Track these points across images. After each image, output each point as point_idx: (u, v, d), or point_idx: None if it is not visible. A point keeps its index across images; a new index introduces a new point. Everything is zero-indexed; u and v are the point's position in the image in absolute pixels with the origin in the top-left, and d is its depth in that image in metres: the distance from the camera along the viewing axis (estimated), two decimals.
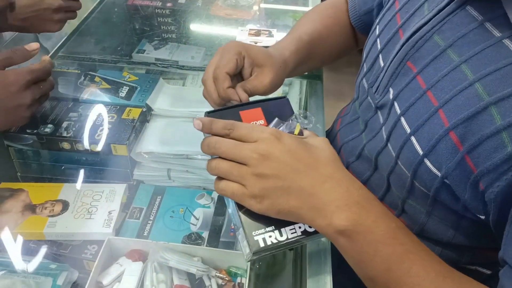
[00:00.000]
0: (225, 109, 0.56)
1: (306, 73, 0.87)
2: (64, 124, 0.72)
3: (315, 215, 0.47)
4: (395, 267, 0.46)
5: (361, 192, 0.48)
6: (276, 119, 0.54)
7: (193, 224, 0.67)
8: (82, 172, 0.72)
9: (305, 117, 0.56)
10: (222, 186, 0.50)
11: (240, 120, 0.54)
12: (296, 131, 0.54)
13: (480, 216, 0.49)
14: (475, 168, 0.45)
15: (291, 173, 0.47)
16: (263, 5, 1.25)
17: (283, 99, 0.58)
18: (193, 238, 0.65)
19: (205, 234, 0.65)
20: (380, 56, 0.62)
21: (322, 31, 0.77)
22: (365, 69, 0.66)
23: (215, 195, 0.71)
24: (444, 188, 0.50)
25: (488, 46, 0.47)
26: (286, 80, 0.91)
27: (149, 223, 0.67)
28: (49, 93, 0.72)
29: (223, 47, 0.63)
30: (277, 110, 0.56)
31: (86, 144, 0.70)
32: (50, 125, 0.72)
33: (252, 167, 0.47)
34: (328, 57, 0.81)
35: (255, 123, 0.55)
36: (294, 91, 0.89)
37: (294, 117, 0.55)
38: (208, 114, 0.54)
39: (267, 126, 0.54)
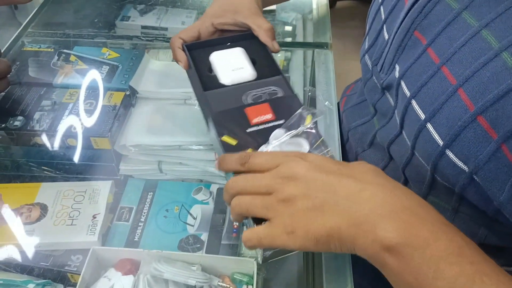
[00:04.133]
0: (231, 109, 0.49)
1: None
2: (36, 115, 0.63)
3: (356, 232, 0.35)
4: None
5: (410, 197, 0.37)
6: (283, 129, 0.47)
7: (190, 225, 0.59)
8: (60, 169, 0.64)
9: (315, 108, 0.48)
10: (247, 235, 0.39)
11: (246, 118, 0.48)
12: (308, 121, 0.46)
13: None
14: None
15: (322, 188, 0.38)
16: None
17: (292, 96, 0.51)
18: (190, 242, 0.58)
19: (204, 236, 0.58)
20: (384, 27, 0.52)
21: None
22: (367, 44, 0.56)
23: (213, 188, 0.63)
24: (473, 185, 0.41)
25: None
26: (288, 51, 0.80)
27: (140, 226, 0.59)
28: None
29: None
30: (286, 105, 0.49)
31: (62, 138, 0.61)
32: (20, 117, 0.62)
33: (277, 192, 0.38)
34: None
35: (262, 117, 0.48)
36: (297, 62, 0.78)
37: (302, 109, 0.47)
38: (214, 114, 0.48)
39: (274, 120, 0.48)
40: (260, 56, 0.57)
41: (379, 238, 0.34)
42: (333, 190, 0.37)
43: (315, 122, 0.46)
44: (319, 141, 0.46)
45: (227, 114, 0.48)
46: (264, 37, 0.56)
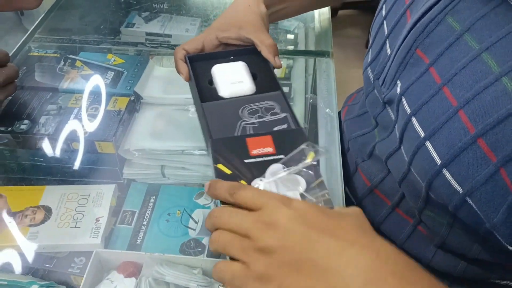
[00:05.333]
0: (231, 138, 0.48)
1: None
2: (42, 119, 0.64)
3: None
4: None
5: (399, 259, 0.34)
6: (282, 164, 0.45)
7: (191, 229, 0.60)
8: (65, 172, 0.65)
9: (315, 149, 0.47)
10: (221, 267, 0.38)
11: (246, 148, 0.46)
12: (309, 159, 0.44)
13: (511, 248, 0.40)
14: None
15: (300, 243, 0.35)
16: None
17: (298, 129, 0.50)
18: (192, 246, 0.58)
19: (206, 240, 0.59)
20: (387, 42, 0.53)
21: None
22: (370, 57, 0.57)
23: None
24: (465, 207, 0.42)
25: None
26: (290, 59, 0.82)
27: (143, 229, 0.60)
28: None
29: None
30: (290, 139, 0.47)
31: (67, 142, 0.62)
32: (26, 121, 0.63)
33: (255, 240, 0.36)
34: None
35: (262, 150, 0.46)
36: (299, 70, 0.79)
37: (306, 145, 0.45)
38: (213, 141, 0.47)
39: (275, 154, 0.46)
40: (262, 71, 0.58)
41: None
42: (311, 247, 0.35)
43: (317, 161, 0.44)
44: (317, 182, 0.43)
45: (227, 142, 0.47)
46: (266, 53, 0.57)
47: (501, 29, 0.38)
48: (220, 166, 0.44)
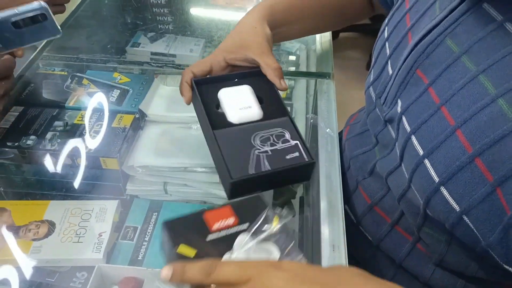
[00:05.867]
0: (184, 217, 0.45)
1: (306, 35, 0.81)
2: (48, 135, 0.65)
3: None
4: None
5: None
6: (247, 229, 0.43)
7: None
8: (69, 187, 0.66)
9: (283, 208, 0.45)
10: None
11: (204, 225, 0.43)
12: (275, 223, 0.42)
13: (507, 267, 0.41)
14: (509, 209, 0.38)
15: None
16: None
17: (255, 196, 0.48)
18: None
19: None
20: (389, 62, 0.55)
21: None
22: (372, 77, 0.59)
23: None
24: (462, 225, 0.43)
25: (510, 52, 0.39)
26: (291, 80, 0.83)
27: (144, 245, 0.61)
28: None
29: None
30: (249, 206, 0.45)
31: (72, 157, 0.63)
32: (32, 137, 0.65)
33: None
34: (330, 19, 0.74)
35: (224, 222, 0.44)
36: (300, 91, 0.81)
37: (268, 210, 0.43)
38: (166, 224, 0.44)
39: (238, 224, 0.44)
40: (267, 95, 0.59)
41: None
42: None
43: (285, 224, 0.42)
44: (290, 246, 0.41)
45: (180, 222, 0.43)
46: (271, 76, 0.59)
47: (498, 52, 0.40)
48: (181, 249, 0.40)
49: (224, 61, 0.62)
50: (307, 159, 0.52)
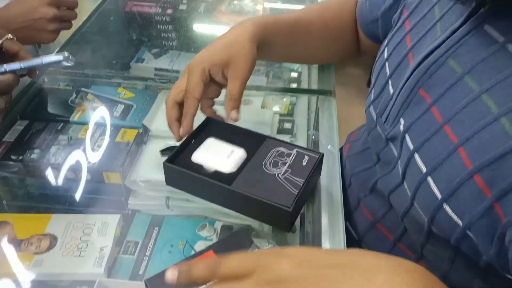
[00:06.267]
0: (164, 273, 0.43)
1: (297, 63, 0.85)
2: (53, 149, 0.66)
3: None
4: None
5: (429, 279, 0.32)
6: None
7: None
8: (72, 201, 0.66)
9: (268, 242, 0.46)
10: None
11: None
12: None
13: (509, 276, 0.41)
14: (504, 217, 0.39)
15: (319, 284, 0.31)
16: (267, 4, 1.18)
17: (240, 232, 0.50)
18: None
19: None
20: (390, 82, 0.56)
21: (315, 20, 0.71)
22: (372, 96, 0.60)
23: (218, 225, 0.65)
24: (466, 240, 0.43)
25: None
26: (293, 97, 0.84)
27: (145, 260, 0.61)
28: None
29: (189, 66, 0.62)
30: (233, 246, 0.45)
31: (75, 171, 0.64)
32: (37, 150, 0.66)
33: None
34: (317, 50, 0.75)
35: None
36: (302, 108, 0.82)
37: (254, 247, 0.45)
38: (148, 281, 0.44)
39: None
40: (234, 133, 0.60)
41: None
42: (334, 285, 0.31)
43: None
44: None
45: (160, 279, 0.41)
46: (226, 102, 0.59)
47: (501, 73, 0.41)
48: None
49: (209, 73, 0.61)
50: (317, 156, 0.58)
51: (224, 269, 0.35)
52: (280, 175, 0.55)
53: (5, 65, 0.61)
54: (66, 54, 0.60)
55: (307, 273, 0.32)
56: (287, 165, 0.56)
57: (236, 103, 0.59)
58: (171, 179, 0.60)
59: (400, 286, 0.30)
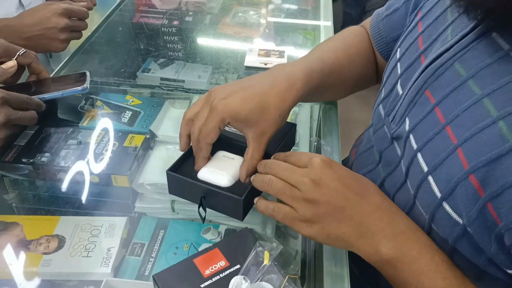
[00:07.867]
0: (176, 265, 0.47)
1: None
2: (62, 153, 0.68)
3: (363, 243, 0.48)
4: None
5: (407, 222, 0.49)
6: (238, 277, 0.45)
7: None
8: (80, 204, 0.68)
9: (271, 242, 0.49)
10: (274, 207, 0.50)
11: (197, 270, 0.45)
12: (266, 260, 0.45)
13: (509, 271, 0.43)
14: (499, 220, 0.40)
15: (342, 200, 0.48)
16: (271, 19, 1.21)
17: (244, 231, 0.51)
18: None
19: None
20: (399, 82, 0.58)
21: (343, 61, 0.69)
22: (382, 95, 0.62)
23: (222, 228, 0.66)
24: (466, 238, 0.45)
25: None
26: (296, 106, 0.86)
27: (151, 261, 0.62)
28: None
29: (212, 105, 0.55)
30: (238, 244, 0.47)
31: (84, 174, 0.66)
32: (47, 154, 0.68)
33: (304, 192, 0.48)
34: (344, 90, 0.75)
35: (215, 267, 0.46)
36: (304, 117, 0.84)
37: (258, 246, 0.47)
38: (156, 275, 0.47)
39: (229, 266, 0.46)
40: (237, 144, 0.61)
41: (380, 252, 0.48)
42: (350, 206, 0.48)
43: (275, 259, 0.45)
44: (284, 282, 0.44)
45: (172, 272, 0.43)
46: (242, 166, 0.57)
47: (503, 78, 0.43)
48: None
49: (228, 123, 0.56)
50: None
51: (290, 159, 0.53)
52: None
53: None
54: (85, 86, 0.72)
55: (338, 189, 0.49)
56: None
57: (254, 170, 0.56)
58: (174, 188, 0.61)
59: (386, 225, 0.49)
